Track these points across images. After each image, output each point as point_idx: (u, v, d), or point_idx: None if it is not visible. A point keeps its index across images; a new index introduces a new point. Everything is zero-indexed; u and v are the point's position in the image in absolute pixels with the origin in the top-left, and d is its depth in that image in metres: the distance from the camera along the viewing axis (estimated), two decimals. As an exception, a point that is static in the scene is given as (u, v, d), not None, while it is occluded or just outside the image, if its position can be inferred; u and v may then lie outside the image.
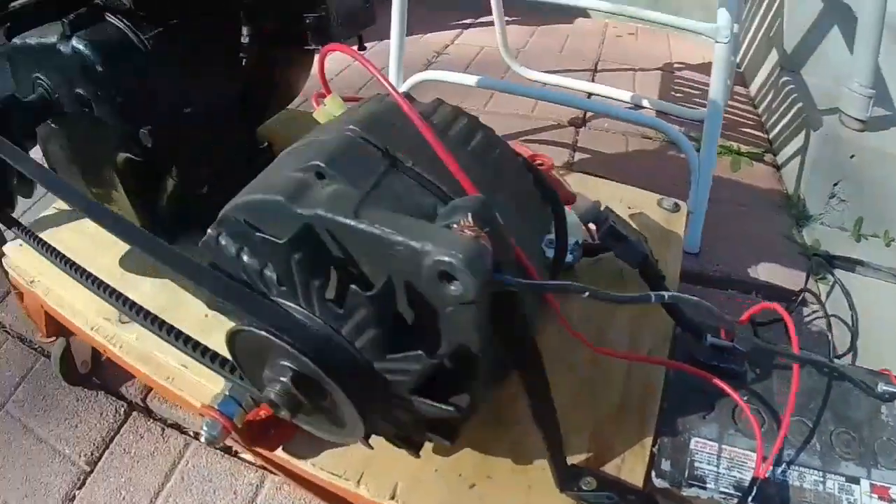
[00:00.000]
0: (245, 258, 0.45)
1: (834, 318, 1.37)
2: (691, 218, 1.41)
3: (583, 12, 2.61)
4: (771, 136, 1.96)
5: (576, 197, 0.77)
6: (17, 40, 0.80)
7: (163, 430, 1.06)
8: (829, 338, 1.33)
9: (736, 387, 0.72)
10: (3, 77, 0.84)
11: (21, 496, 0.99)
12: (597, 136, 1.87)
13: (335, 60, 2.02)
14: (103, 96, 0.75)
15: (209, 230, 0.47)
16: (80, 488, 0.99)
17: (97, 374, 1.16)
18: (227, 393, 0.60)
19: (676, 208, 1.01)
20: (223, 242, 0.46)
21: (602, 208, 0.78)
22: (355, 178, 0.46)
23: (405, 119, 0.49)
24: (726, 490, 0.65)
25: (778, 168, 1.85)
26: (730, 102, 2.10)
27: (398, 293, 0.44)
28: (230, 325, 0.75)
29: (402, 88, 1.64)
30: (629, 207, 0.99)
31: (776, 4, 2.07)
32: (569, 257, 0.81)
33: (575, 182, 1.04)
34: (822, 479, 0.67)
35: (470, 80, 1.53)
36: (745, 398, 0.72)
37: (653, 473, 0.66)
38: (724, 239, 1.52)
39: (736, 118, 2.04)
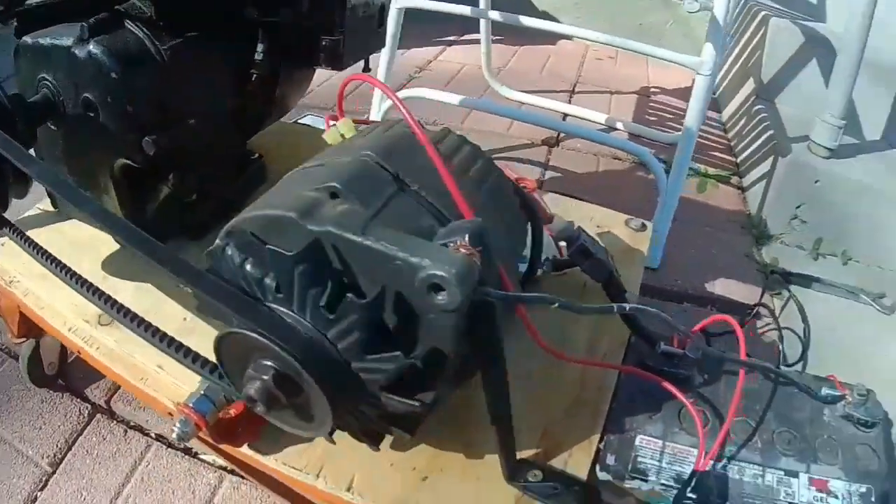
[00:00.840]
0: (248, 267, 0.51)
1: (787, 330, 1.49)
2: (654, 236, 1.48)
3: (567, 35, 2.73)
4: (739, 160, 2.07)
5: (553, 217, 0.83)
6: (27, 38, 0.81)
7: (125, 431, 1.10)
8: (781, 348, 1.44)
9: (685, 390, 0.77)
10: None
11: (-18, 497, 1.00)
12: (569, 156, 1.96)
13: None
14: (113, 103, 0.77)
15: (217, 240, 0.52)
16: (41, 489, 1.01)
17: (63, 376, 1.19)
18: (202, 392, 0.64)
19: (643, 228, 1.08)
20: (229, 252, 0.51)
21: (575, 228, 0.84)
22: (366, 199, 0.53)
23: (417, 146, 0.56)
24: (667, 482, 0.71)
25: (743, 190, 1.95)
26: (701, 127, 2.22)
27: (387, 303, 0.50)
28: (208, 328, 0.80)
29: (388, 103, 1.70)
30: (598, 227, 1.06)
31: (757, 37, 2.19)
32: (538, 272, 0.87)
33: (550, 201, 1.10)
34: (761, 473, 0.73)
35: (453, 98, 1.61)
36: (692, 401, 0.77)
37: (597, 467, 0.72)
38: (686, 256, 1.62)
39: (706, 142, 2.15)
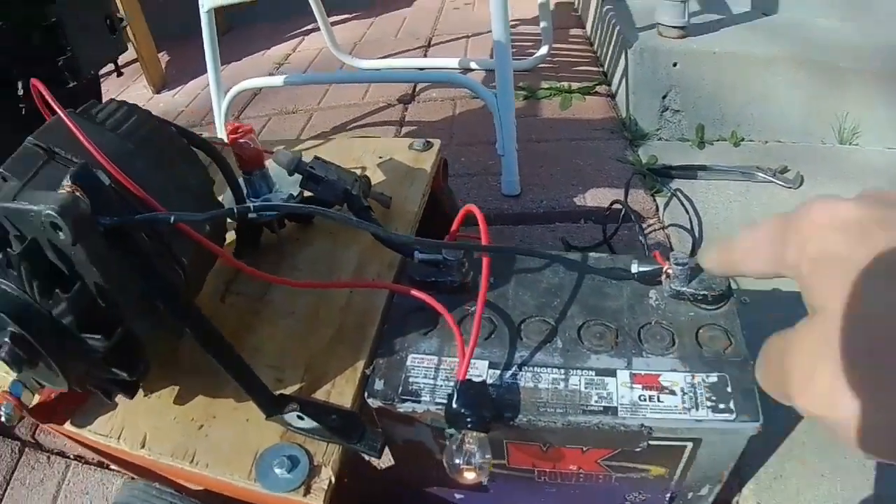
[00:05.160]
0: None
1: (675, 227, 1.56)
2: (503, 161, 1.63)
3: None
4: (605, 68, 2.18)
5: (263, 156, 0.94)
6: None
7: (48, 458, 1.27)
8: (669, 244, 1.52)
9: (465, 297, 0.78)
10: None
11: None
12: (425, 108, 2.11)
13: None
14: None
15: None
16: (-9, 524, 1.18)
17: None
18: (14, 377, 0.75)
19: (427, 146, 1.18)
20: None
21: (310, 160, 0.94)
22: (21, 174, 0.66)
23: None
24: (442, 400, 0.68)
25: (613, 97, 2.06)
26: (565, 45, 2.36)
27: (47, 251, 0.62)
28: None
29: (226, 100, 1.87)
30: (380, 157, 1.16)
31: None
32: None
33: (334, 146, 1.25)
34: (563, 377, 0.69)
35: (276, 81, 1.78)
36: (474, 307, 0.74)
37: (366, 394, 0.71)
38: (551, 175, 1.72)
39: (571, 59, 2.29)
